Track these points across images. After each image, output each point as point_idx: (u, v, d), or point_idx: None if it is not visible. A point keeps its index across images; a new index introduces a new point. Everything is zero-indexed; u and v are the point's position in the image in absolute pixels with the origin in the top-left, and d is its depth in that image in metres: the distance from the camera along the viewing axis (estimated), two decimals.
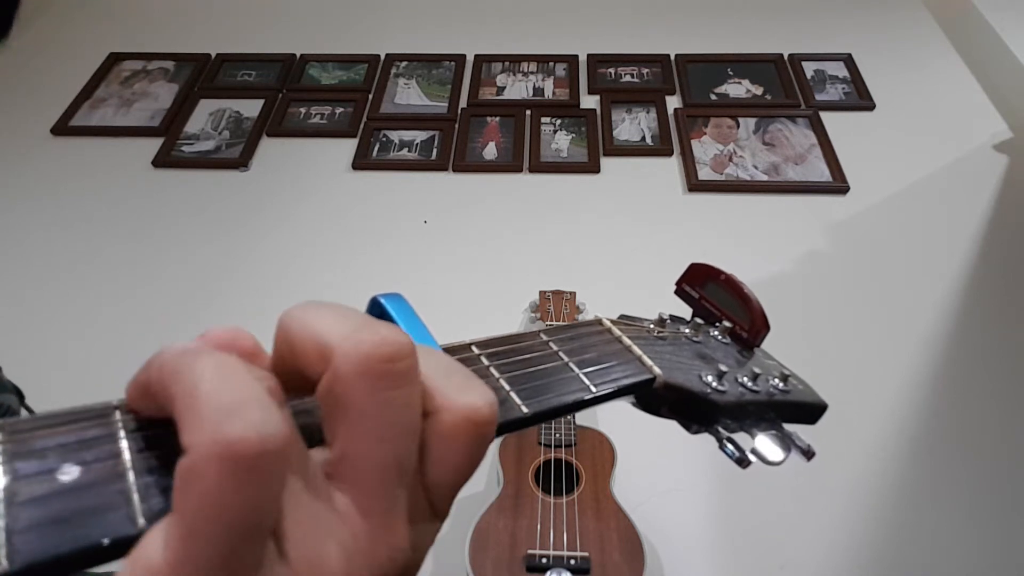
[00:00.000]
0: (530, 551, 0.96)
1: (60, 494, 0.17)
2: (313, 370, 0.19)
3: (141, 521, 0.17)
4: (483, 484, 1.18)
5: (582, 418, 1.19)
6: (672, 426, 0.32)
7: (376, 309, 0.24)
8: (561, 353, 0.28)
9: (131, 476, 0.17)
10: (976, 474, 1.20)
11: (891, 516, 1.17)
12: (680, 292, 0.40)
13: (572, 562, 0.94)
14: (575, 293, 1.35)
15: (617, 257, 1.52)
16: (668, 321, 0.36)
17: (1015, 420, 1.26)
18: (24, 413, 0.58)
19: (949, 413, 1.27)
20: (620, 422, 1.18)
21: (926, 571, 1.12)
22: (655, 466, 1.20)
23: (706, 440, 0.32)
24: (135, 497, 0.17)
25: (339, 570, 0.17)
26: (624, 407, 0.31)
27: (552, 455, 1.10)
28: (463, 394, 0.20)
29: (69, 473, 0.17)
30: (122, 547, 0.16)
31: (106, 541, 0.16)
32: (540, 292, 1.36)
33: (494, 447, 1.13)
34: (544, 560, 0.94)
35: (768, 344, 0.38)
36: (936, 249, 1.50)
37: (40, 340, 1.41)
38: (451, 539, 1.02)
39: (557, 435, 1.12)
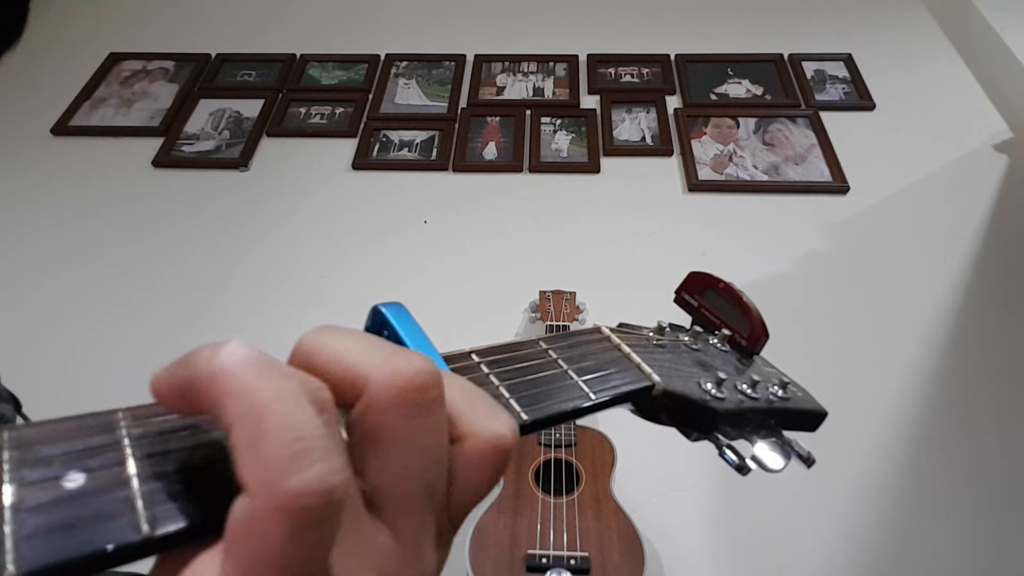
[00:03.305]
0: (530, 551, 0.96)
1: (65, 501, 0.17)
2: (340, 399, 0.19)
3: (145, 528, 0.17)
4: None
5: (582, 419, 1.19)
6: (672, 428, 0.33)
7: (377, 318, 0.24)
8: (560, 361, 0.28)
9: (135, 483, 0.18)
10: (976, 474, 1.20)
11: (891, 516, 1.17)
12: (679, 300, 0.40)
13: (572, 562, 0.94)
14: (575, 293, 1.35)
15: (617, 257, 1.52)
16: (667, 329, 0.36)
17: (1015, 420, 1.26)
18: (20, 422, 0.58)
19: (949, 413, 1.27)
20: (620, 422, 1.18)
21: (926, 571, 1.12)
22: (655, 466, 1.20)
23: (706, 443, 0.32)
24: (139, 504, 0.17)
25: None
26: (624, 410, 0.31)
27: (552, 455, 1.10)
28: (489, 422, 0.21)
29: (74, 480, 0.17)
30: (126, 554, 0.17)
31: (110, 547, 0.16)
32: (540, 292, 1.36)
33: None
34: (544, 560, 0.95)
35: (768, 344, 0.39)
36: (936, 249, 1.50)
37: (40, 341, 1.41)
38: None
39: (557, 435, 1.13)
